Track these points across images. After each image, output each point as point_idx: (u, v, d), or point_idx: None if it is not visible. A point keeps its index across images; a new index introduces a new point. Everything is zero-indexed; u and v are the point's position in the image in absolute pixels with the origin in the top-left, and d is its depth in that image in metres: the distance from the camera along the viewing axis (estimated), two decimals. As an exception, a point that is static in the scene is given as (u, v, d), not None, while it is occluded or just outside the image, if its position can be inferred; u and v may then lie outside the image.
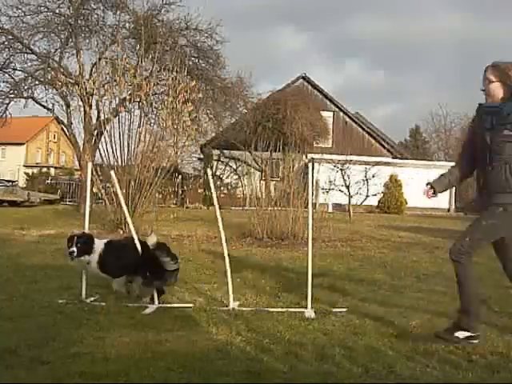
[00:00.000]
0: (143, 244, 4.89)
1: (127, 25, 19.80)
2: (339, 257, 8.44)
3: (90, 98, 13.95)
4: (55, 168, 41.98)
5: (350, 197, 17.49)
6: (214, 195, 5.29)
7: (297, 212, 10.45)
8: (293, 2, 72.79)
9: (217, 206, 5.14)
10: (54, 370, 3.16)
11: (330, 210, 19.40)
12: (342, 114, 30.31)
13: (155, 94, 15.58)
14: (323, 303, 5.01)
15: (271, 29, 78.14)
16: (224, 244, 5.06)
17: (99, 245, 4.93)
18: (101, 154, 11.95)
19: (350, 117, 30.64)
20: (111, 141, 11.46)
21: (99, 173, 10.87)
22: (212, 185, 5.65)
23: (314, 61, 73.34)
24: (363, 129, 30.54)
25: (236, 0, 69.78)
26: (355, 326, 4.28)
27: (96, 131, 15.26)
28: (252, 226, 10.61)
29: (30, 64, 19.37)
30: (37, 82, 19.40)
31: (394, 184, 23.17)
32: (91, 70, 18.13)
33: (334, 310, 4.78)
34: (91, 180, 6.37)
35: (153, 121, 13.85)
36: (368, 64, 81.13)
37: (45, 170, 37.48)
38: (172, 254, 4.89)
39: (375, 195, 19.49)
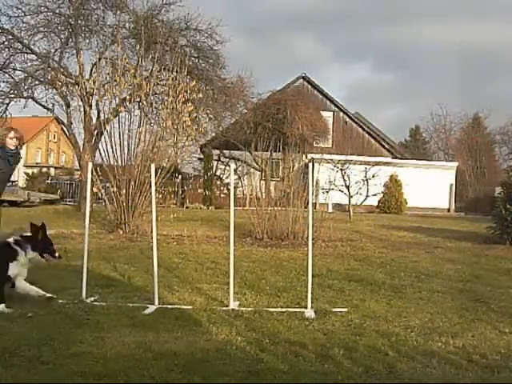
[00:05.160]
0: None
1: (127, 25, 19.76)
2: (339, 257, 8.44)
3: (90, 97, 13.95)
4: (55, 168, 41.94)
5: (350, 197, 17.49)
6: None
7: (297, 212, 10.44)
8: (301, 7, 72.88)
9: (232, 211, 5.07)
10: (54, 369, 3.16)
11: (330, 210, 19.38)
12: (342, 113, 30.28)
13: (155, 93, 15.55)
14: (323, 303, 5.01)
15: (281, 32, 78.35)
16: (231, 246, 5.02)
17: None
18: (101, 154, 11.96)
19: (349, 117, 30.61)
20: (111, 141, 11.46)
21: (99, 173, 10.87)
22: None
23: (318, 63, 73.48)
24: (363, 129, 30.52)
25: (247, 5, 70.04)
26: (355, 325, 4.28)
27: (96, 131, 15.24)
28: (252, 226, 10.60)
29: (29, 64, 19.33)
30: (37, 82, 19.36)
31: (393, 184, 23.16)
32: (91, 70, 18.09)
33: (334, 309, 4.78)
34: (91, 180, 6.37)
35: (153, 121, 13.86)
36: (373, 66, 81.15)
37: (45, 170, 37.44)
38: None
39: (375, 195, 19.48)
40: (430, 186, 24.27)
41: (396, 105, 76.55)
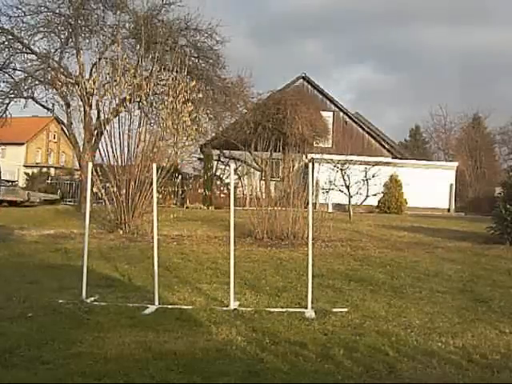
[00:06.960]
0: None
1: (127, 25, 19.76)
2: (339, 257, 8.44)
3: (90, 97, 13.93)
4: (55, 168, 41.93)
5: (350, 197, 17.47)
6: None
7: (297, 212, 10.44)
8: (304, 9, 73.01)
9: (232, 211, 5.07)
10: (54, 369, 3.16)
11: (330, 210, 19.36)
12: (341, 113, 30.25)
13: (155, 93, 15.54)
14: (323, 303, 5.01)
15: (282, 33, 78.37)
16: (232, 246, 5.02)
17: None
18: (101, 154, 11.96)
19: (350, 117, 30.57)
20: (111, 141, 11.46)
21: (99, 173, 10.87)
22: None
23: (318, 64, 73.44)
24: (363, 129, 30.48)
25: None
26: (355, 325, 4.28)
27: (96, 131, 15.24)
28: (252, 226, 10.59)
29: (30, 64, 19.34)
30: (37, 82, 19.36)
31: (394, 184, 23.15)
32: (91, 70, 18.11)
33: (334, 309, 4.78)
34: (91, 180, 6.37)
35: (153, 121, 13.85)
36: (373, 67, 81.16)
37: (45, 170, 37.42)
38: None
39: (375, 195, 19.47)
40: (429, 186, 24.25)
41: (396, 105, 76.54)
